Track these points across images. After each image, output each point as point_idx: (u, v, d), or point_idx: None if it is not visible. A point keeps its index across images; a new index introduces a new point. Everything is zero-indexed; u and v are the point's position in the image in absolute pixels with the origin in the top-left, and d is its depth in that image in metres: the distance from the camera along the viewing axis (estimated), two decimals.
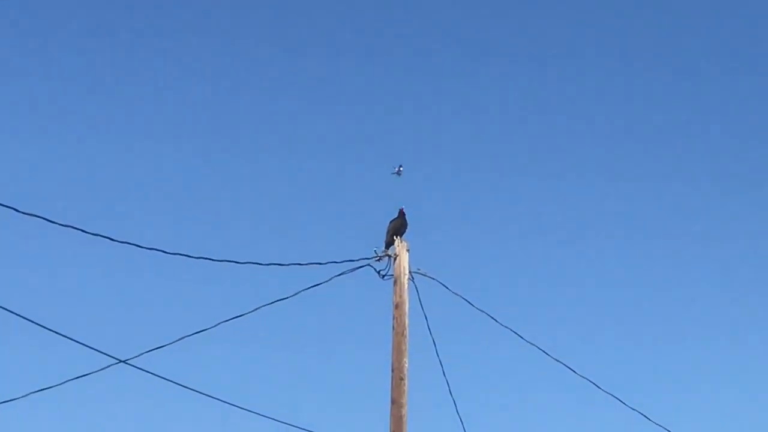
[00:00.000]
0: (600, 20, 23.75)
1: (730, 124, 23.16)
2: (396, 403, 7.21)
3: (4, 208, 4.31)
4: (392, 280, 7.58)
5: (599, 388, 8.92)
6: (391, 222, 7.91)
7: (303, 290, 7.48)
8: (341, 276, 7.59)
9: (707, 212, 21.93)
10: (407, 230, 7.86)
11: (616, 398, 9.08)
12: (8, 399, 6.34)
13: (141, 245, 6.01)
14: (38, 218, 4.54)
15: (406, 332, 7.43)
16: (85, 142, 21.33)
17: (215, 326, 7.08)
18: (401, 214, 7.90)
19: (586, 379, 8.80)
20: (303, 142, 21.67)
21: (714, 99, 23.30)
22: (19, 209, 4.36)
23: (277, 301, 7.38)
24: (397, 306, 7.49)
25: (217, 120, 21.77)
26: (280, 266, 7.48)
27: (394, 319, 7.48)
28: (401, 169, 6.57)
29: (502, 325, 8.26)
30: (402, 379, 7.26)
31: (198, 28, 22.93)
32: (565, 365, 8.68)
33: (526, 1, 24.30)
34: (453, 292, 7.90)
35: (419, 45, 23.50)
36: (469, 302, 8.04)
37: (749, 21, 23.29)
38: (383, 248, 7.76)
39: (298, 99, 22.11)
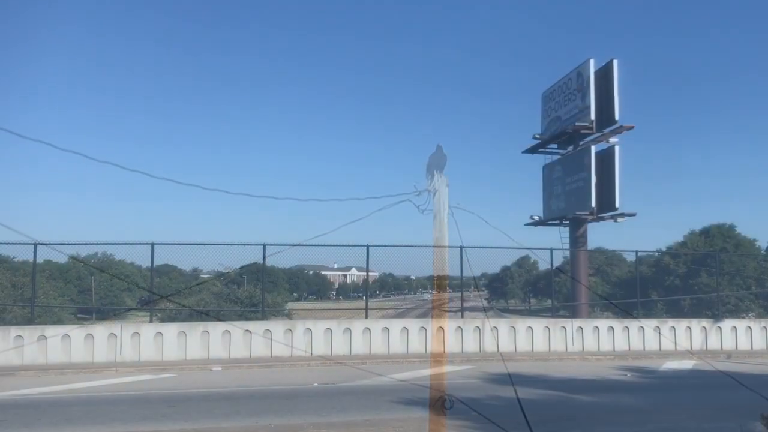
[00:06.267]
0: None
1: None
2: None
3: None
4: (432, 215, 7.72)
5: None
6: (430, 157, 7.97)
7: (344, 225, 7.72)
8: (382, 210, 7.77)
9: None
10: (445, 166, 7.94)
11: None
12: None
13: None
14: None
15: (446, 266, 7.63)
16: None
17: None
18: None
19: None
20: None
21: None
22: None
23: (322, 235, 7.64)
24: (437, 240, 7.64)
25: None
26: (318, 201, 7.69)
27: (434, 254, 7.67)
28: None
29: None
30: None
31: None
32: None
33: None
34: (492, 226, 8.03)
35: None
36: (507, 235, 8.17)
37: None
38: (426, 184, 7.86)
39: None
